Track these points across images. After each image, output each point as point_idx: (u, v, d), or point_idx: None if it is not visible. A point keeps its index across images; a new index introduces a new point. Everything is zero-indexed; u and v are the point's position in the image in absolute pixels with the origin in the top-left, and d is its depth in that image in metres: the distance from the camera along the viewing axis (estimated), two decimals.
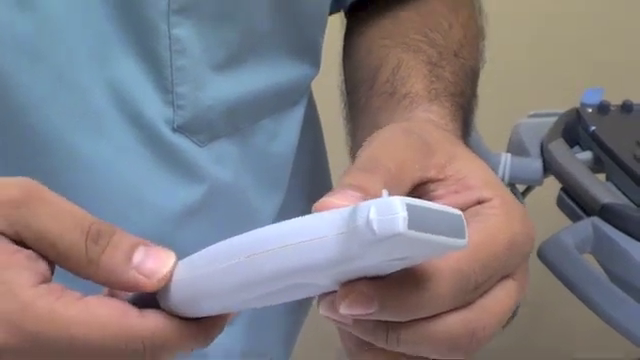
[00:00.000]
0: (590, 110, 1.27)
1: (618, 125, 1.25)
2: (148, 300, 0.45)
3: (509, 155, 1.21)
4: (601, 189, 1.11)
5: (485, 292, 0.47)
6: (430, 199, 0.50)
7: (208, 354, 0.68)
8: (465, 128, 0.66)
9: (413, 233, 0.38)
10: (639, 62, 1.83)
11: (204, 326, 0.45)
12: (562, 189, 1.16)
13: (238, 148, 0.69)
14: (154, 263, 0.45)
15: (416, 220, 0.38)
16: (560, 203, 1.16)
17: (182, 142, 0.64)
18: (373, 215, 0.38)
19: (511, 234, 0.48)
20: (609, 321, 0.98)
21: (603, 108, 1.27)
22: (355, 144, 0.69)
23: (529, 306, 1.74)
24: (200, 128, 0.65)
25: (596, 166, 1.21)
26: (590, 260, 1.07)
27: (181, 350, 0.45)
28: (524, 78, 1.81)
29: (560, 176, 1.16)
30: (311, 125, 0.79)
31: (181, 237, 0.65)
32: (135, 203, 0.64)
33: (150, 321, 0.44)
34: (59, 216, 0.44)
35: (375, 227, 0.38)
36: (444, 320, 0.45)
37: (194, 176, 0.66)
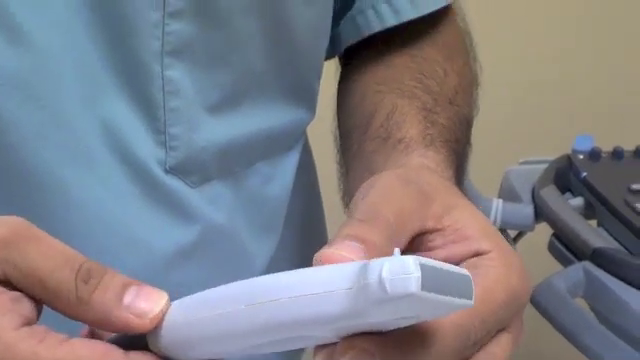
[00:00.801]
0: (581, 156, 1.28)
1: (609, 171, 1.26)
2: (132, 342, 0.44)
3: (500, 201, 1.22)
4: (592, 234, 1.12)
5: (481, 347, 0.47)
6: (428, 249, 0.50)
7: None
8: (460, 175, 0.66)
9: (425, 294, 0.38)
10: (628, 108, 1.84)
11: None
12: (553, 234, 1.17)
13: (231, 191, 0.69)
14: (146, 303, 0.44)
15: (428, 280, 0.38)
16: (551, 248, 1.16)
17: (174, 183, 0.64)
18: (386, 274, 0.38)
19: (510, 287, 0.48)
20: None
21: (594, 154, 1.28)
22: (348, 188, 0.69)
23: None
24: (193, 169, 0.65)
25: (587, 212, 1.22)
26: (582, 305, 1.08)
27: None
28: (515, 125, 1.82)
29: (552, 221, 1.17)
30: (306, 170, 0.79)
31: (173, 278, 0.64)
32: (127, 242, 0.63)
33: None
34: (49, 254, 0.44)
35: (388, 286, 0.38)
36: None
37: (187, 217, 0.65)
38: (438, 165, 0.62)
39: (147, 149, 0.63)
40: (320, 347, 0.43)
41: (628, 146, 1.32)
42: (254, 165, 0.70)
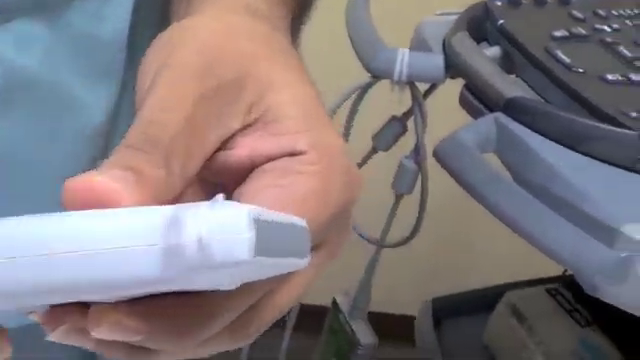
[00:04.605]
0: (499, 3, 1.16)
1: (529, 18, 1.13)
2: None
3: (407, 50, 1.09)
4: (507, 83, 0.99)
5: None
6: (226, 149, 0.41)
7: None
8: (300, 15, 0.54)
9: (259, 259, 0.30)
10: None
11: None
12: (465, 85, 1.05)
13: (48, 30, 0.58)
14: None
15: (263, 241, 0.30)
16: (462, 100, 1.04)
17: None
18: (208, 233, 0.29)
19: (328, 203, 0.39)
20: (512, 225, 0.86)
21: (514, 1, 1.16)
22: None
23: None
24: None
25: (505, 63, 1.10)
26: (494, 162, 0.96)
27: None
28: None
29: (463, 71, 1.05)
30: (154, 5, 0.66)
31: None
32: None
33: None
34: None
35: (211, 251, 0.29)
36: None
37: None
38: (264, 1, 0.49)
39: None
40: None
41: None
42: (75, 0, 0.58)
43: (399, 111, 1.22)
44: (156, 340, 0.35)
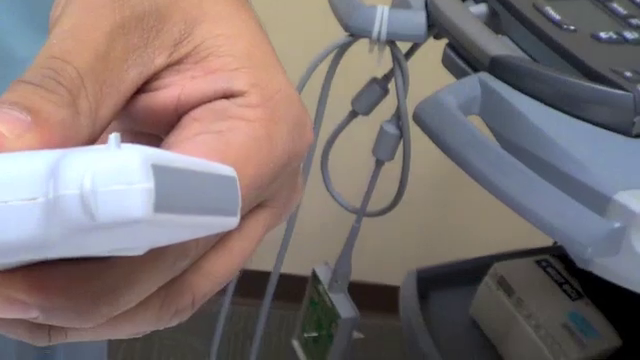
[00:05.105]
0: None
1: None
2: None
3: (386, 8, 1.02)
4: (492, 42, 0.93)
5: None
6: (150, 91, 0.34)
7: None
8: None
9: (161, 216, 0.23)
10: None
11: None
12: (448, 44, 0.98)
13: None
14: None
15: (166, 194, 0.23)
16: (445, 60, 0.97)
17: None
18: (91, 183, 0.23)
19: (272, 152, 0.33)
20: (498, 192, 0.80)
21: None
22: None
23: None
24: None
25: (492, 22, 1.03)
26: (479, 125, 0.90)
27: None
28: None
29: (446, 30, 0.98)
30: None
31: None
32: None
33: None
34: None
35: (95, 206, 0.23)
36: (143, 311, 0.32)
37: None
38: None
39: None
40: None
41: None
42: None
43: (379, 73, 1.16)
44: (55, 317, 0.29)
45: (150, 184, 0.23)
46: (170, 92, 0.34)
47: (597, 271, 0.78)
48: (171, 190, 0.24)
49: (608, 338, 1.25)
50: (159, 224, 0.24)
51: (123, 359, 2.15)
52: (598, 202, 0.77)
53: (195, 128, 0.33)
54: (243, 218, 0.33)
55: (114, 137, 0.24)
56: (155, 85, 0.34)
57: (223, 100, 0.34)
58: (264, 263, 1.36)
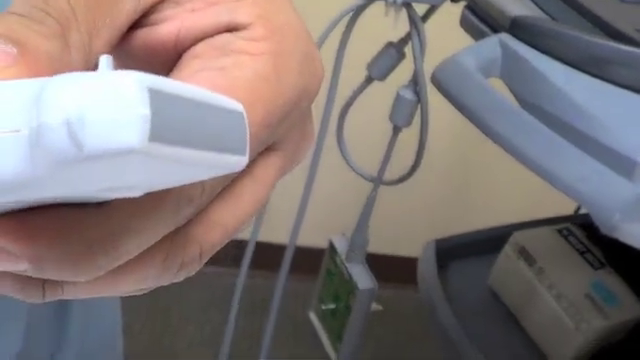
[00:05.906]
0: None
1: None
2: None
3: None
4: (513, 2, 0.90)
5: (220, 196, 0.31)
6: (147, 26, 0.31)
7: None
8: None
9: (160, 148, 0.21)
10: None
11: None
12: (466, 6, 0.95)
13: None
14: None
15: (164, 122, 0.21)
16: (464, 22, 0.94)
17: None
18: (77, 109, 0.20)
19: (279, 89, 0.30)
20: (520, 156, 0.77)
21: None
22: None
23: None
24: None
25: None
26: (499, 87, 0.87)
27: None
28: None
29: None
30: None
31: None
32: None
33: None
34: None
35: (84, 136, 0.20)
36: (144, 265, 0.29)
37: None
38: None
39: None
40: None
41: None
42: None
43: (395, 37, 1.13)
44: (47, 269, 0.26)
45: (146, 110, 0.20)
46: (169, 27, 0.31)
47: (623, 238, 0.75)
48: (169, 118, 0.21)
49: (631, 308, 1.22)
50: (156, 157, 0.21)
51: (140, 331, 2.14)
52: (625, 166, 0.74)
53: (196, 65, 0.30)
54: (252, 162, 0.31)
55: (105, 59, 0.21)
56: (153, 19, 0.32)
57: (226, 34, 0.31)
58: (280, 235, 1.34)
